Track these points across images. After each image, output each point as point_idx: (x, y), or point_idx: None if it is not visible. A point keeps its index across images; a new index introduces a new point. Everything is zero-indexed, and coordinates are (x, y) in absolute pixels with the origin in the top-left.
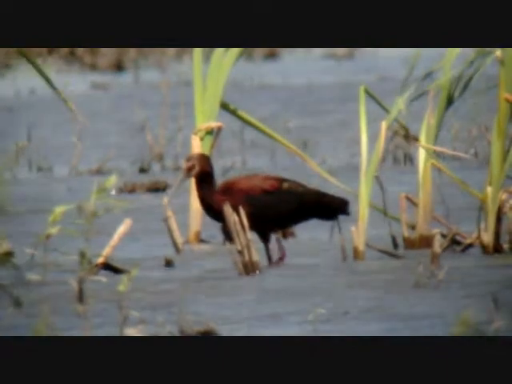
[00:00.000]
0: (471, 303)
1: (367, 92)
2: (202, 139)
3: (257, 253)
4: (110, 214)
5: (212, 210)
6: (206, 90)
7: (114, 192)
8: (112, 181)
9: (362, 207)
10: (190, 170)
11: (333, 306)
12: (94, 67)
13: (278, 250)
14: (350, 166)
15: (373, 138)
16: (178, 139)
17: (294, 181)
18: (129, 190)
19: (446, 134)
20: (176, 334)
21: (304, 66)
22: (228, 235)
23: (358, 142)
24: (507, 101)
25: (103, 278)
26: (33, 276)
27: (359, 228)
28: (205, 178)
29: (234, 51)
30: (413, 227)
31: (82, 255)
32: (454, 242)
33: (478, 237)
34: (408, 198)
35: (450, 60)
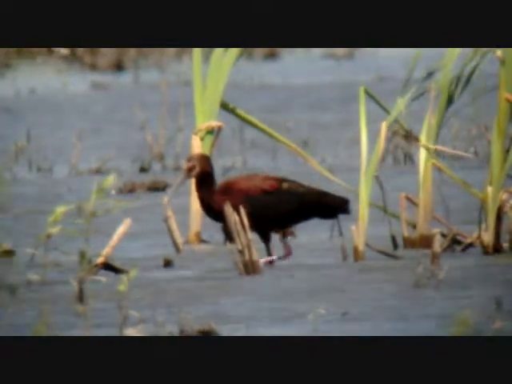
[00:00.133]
0: (471, 303)
1: (367, 92)
2: (202, 139)
3: (257, 253)
4: (109, 214)
5: (212, 211)
6: (206, 90)
7: (113, 192)
8: (110, 181)
9: (362, 207)
10: (190, 170)
11: (333, 306)
12: (93, 67)
13: (283, 247)
14: (350, 166)
15: (373, 138)
16: (177, 139)
17: (293, 181)
18: (129, 189)
19: (446, 134)
20: (176, 333)
21: (304, 65)
22: (228, 235)
23: (358, 141)
24: (507, 100)
25: (103, 277)
26: (33, 276)
27: (359, 228)
28: (205, 179)
29: (234, 51)
30: (413, 227)
31: (82, 255)
32: (455, 241)
33: (479, 236)
34: (408, 198)
35: (450, 60)
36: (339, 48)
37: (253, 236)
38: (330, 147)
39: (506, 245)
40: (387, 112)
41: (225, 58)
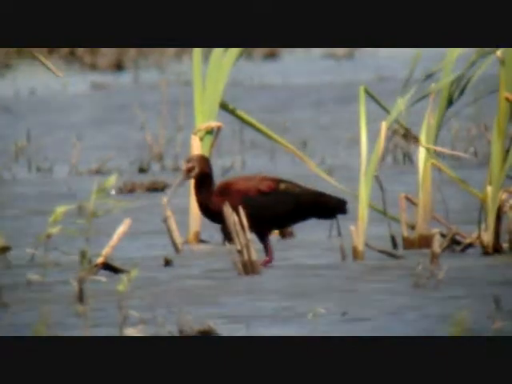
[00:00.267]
0: (471, 303)
1: (367, 92)
2: (201, 139)
3: (256, 253)
4: (109, 214)
5: (209, 212)
6: (206, 90)
7: (113, 192)
8: (111, 181)
9: (362, 207)
10: (189, 171)
11: (332, 305)
12: (93, 67)
13: (265, 252)
14: (350, 166)
15: (372, 138)
16: (177, 139)
17: (291, 182)
18: (128, 189)
19: (446, 134)
20: (176, 333)
21: (304, 65)
22: (227, 235)
23: (357, 141)
24: (507, 100)
25: (103, 277)
26: (33, 276)
27: (359, 228)
28: (204, 180)
29: (234, 51)
30: (412, 227)
31: (83, 255)
32: (454, 241)
33: (478, 236)
34: (408, 198)
35: (451, 61)
36: (339, 48)
37: (252, 236)
38: (330, 147)
39: (505, 245)
40: (387, 112)
41: (224, 58)
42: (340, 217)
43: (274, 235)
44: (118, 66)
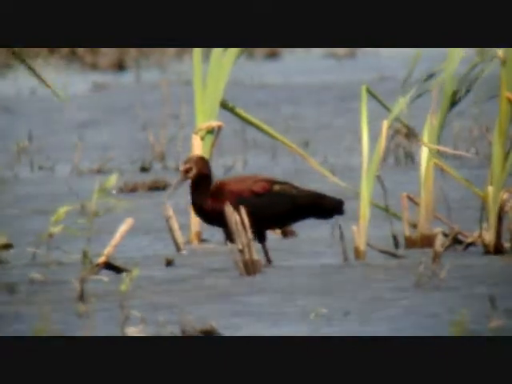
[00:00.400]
0: (472, 302)
1: (369, 91)
2: (202, 138)
3: (258, 252)
4: (111, 213)
5: (202, 212)
6: (206, 90)
7: (114, 191)
8: (112, 181)
9: (364, 206)
10: (187, 172)
11: (333, 305)
12: (94, 67)
13: (264, 252)
14: (352, 165)
15: (374, 137)
16: (178, 138)
17: (286, 182)
18: (130, 189)
19: (448, 134)
20: (177, 333)
21: (305, 65)
22: (229, 235)
23: (359, 141)
24: (509, 101)
25: (104, 277)
26: (35, 275)
27: (360, 227)
28: (202, 181)
29: (234, 50)
30: (414, 226)
31: (84, 254)
32: (456, 241)
33: (480, 236)
34: (410, 198)
35: (453, 61)
36: (340, 48)
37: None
38: (332, 147)
39: (507, 244)
40: (388, 111)
41: (224, 58)
42: (342, 217)
43: (276, 234)
44: (120, 66)
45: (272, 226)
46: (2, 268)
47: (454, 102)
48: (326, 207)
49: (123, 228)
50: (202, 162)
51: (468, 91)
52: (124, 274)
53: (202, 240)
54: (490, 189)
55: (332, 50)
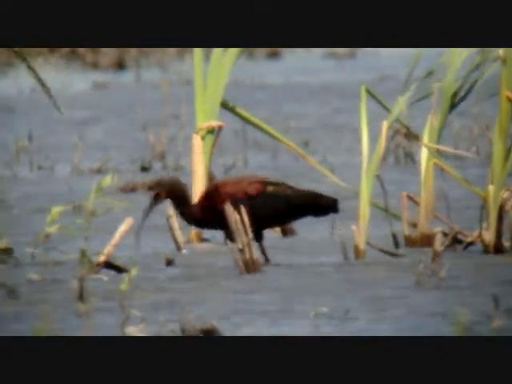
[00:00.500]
0: (472, 302)
1: (368, 91)
2: (203, 138)
3: (258, 252)
4: (111, 213)
5: (194, 220)
6: (207, 89)
7: (115, 191)
8: (108, 181)
9: (363, 206)
10: (156, 197)
11: (333, 305)
12: (95, 66)
13: (261, 252)
14: (352, 165)
15: (374, 137)
16: (179, 138)
17: (281, 183)
18: (130, 188)
19: (448, 133)
20: (178, 333)
21: (305, 65)
22: (229, 234)
23: (359, 141)
24: (509, 99)
25: (104, 276)
26: (33, 275)
27: (360, 227)
28: (177, 199)
29: (234, 50)
30: (414, 226)
31: (83, 254)
32: (456, 240)
33: (480, 235)
34: (410, 197)
35: (454, 61)
36: (341, 48)
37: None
38: (332, 146)
39: (507, 244)
40: (388, 111)
41: (225, 58)
42: (342, 216)
43: (276, 233)
44: (120, 65)
45: (267, 226)
46: (1, 268)
47: (454, 103)
48: (321, 206)
49: (123, 228)
50: (171, 185)
51: (468, 91)
52: (124, 274)
53: (202, 239)
54: (491, 188)
55: (332, 49)
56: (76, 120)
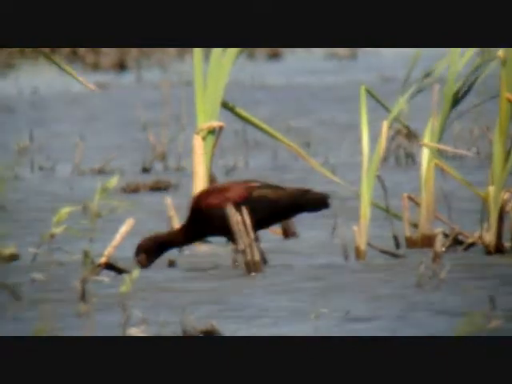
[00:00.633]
0: (473, 302)
1: (368, 92)
2: (203, 139)
3: (259, 253)
4: (114, 214)
5: (185, 242)
6: (207, 90)
7: (117, 192)
8: (114, 182)
9: (364, 206)
10: (141, 263)
11: (334, 305)
12: (96, 67)
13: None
14: (353, 165)
15: (375, 138)
16: (180, 139)
17: (268, 185)
18: (131, 189)
19: (448, 134)
20: (179, 334)
21: (306, 65)
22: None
23: (359, 141)
24: (509, 101)
25: (106, 277)
26: (36, 275)
27: (361, 227)
28: (158, 248)
29: (233, 50)
30: (415, 226)
31: (86, 255)
32: (457, 241)
33: (480, 236)
34: (410, 198)
35: (454, 61)
36: (341, 48)
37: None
38: (333, 147)
39: (507, 244)
40: (388, 110)
41: (224, 57)
42: (342, 216)
43: (277, 235)
44: (121, 66)
45: (257, 229)
46: (4, 268)
47: (455, 104)
48: (309, 203)
49: (124, 229)
50: (146, 246)
51: (468, 91)
52: (125, 275)
53: (203, 240)
54: (491, 189)
55: (333, 50)
56: (77, 120)
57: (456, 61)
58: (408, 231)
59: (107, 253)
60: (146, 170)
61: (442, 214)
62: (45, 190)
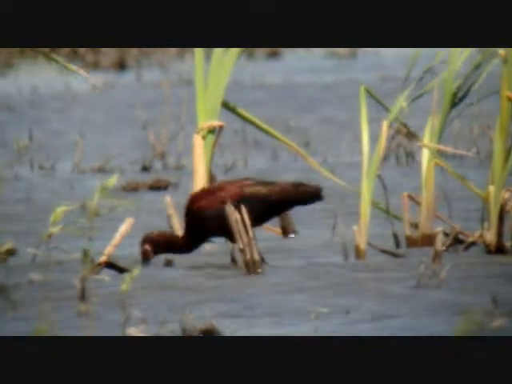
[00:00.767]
0: (473, 302)
1: (367, 91)
2: (203, 138)
3: (259, 252)
4: (113, 213)
5: (189, 249)
6: (208, 89)
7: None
8: (113, 181)
9: (364, 206)
10: (145, 254)
11: (334, 305)
12: (96, 66)
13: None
14: (353, 165)
15: (375, 137)
16: (179, 138)
17: (259, 182)
18: (131, 188)
19: (448, 133)
20: (178, 333)
21: (306, 64)
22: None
23: (359, 140)
24: (509, 99)
25: (105, 276)
26: (35, 275)
27: (361, 227)
28: (166, 248)
29: (235, 50)
30: (415, 226)
31: (85, 254)
32: (457, 240)
33: (481, 235)
34: (411, 197)
35: (453, 60)
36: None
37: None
38: (333, 146)
39: (508, 244)
40: (387, 110)
41: (226, 58)
42: (342, 216)
43: (277, 234)
44: (121, 65)
45: (253, 226)
46: (3, 268)
47: (455, 103)
48: (302, 196)
49: (124, 228)
50: (152, 239)
51: (468, 90)
52: (125, 274)
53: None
54: (491, 188)
55: (333, 49)
56: (77, 120)
57: (455, 59)
58: (408, 230)
59: (107, 252)
60: (145, 169)
61: (442, 213)
62: (45, 189)
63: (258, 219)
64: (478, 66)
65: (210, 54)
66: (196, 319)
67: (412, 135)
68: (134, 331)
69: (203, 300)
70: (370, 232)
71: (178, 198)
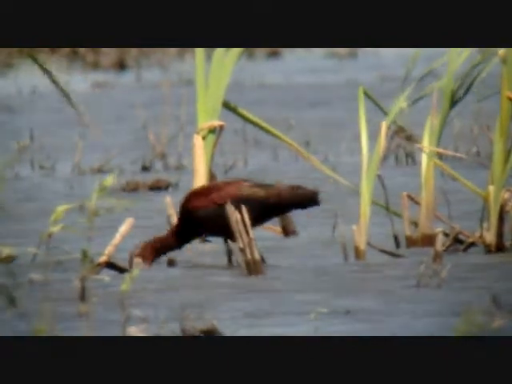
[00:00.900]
0: (473, 302)
1: (365, 93)
2: (204, 138)
3: (259, 252)
4: (113, 213)
5: (177, 246)
6: (208, 89)
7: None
8: (110, 181)
9: (364, 206)
10: (142, 259)
11: (334, 305)
12: (96, 66)
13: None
14: (353, 165)
15: (374, 137)
16: (180, 138)
17: (257, 184)
18: (131, 188)
19: (448, 133)
20: (178, 333)
21: (306, 64)
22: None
23: (359, 140)
24: (509, 99)
25: (106, 276)
26: (35, 275)
27: (361, 227)
28: (156, 250)
29: (236, 50)
30: (415, 226)
31: (84, 254)
32: (457, 240)
33: (481, 236)
34: (410, 197)
35: (453, 60)
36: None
37: (255, 235)
38: (333, 146)
39: (508, 244)
40: (384, 112)
41: (226, 58)
42: (342, 216)
43: (277, 234)
44: (121, 65)
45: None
46: (3, 268)
47: (454, 102)
48: (299, 200)
49: (124, 228)
50: (145, 250)
51: (468, 90)
52: (125, 274)
53: (203, 239)
54: (491, 188)
55: (333, 49)
56: (76, 119)
57: (455, 59)
58: (408, 230)
59: (107, 252)
60: (145, 169)
61: (442, 213)
62: (45, 189)
63: (254, 221)
64: (477, 66)
65: (210, 54)
66: (196, 319)
67: (411, 138)
68: (134, 331)
69: (203, 300)
70: (370, 232)
71: (178, 198)
